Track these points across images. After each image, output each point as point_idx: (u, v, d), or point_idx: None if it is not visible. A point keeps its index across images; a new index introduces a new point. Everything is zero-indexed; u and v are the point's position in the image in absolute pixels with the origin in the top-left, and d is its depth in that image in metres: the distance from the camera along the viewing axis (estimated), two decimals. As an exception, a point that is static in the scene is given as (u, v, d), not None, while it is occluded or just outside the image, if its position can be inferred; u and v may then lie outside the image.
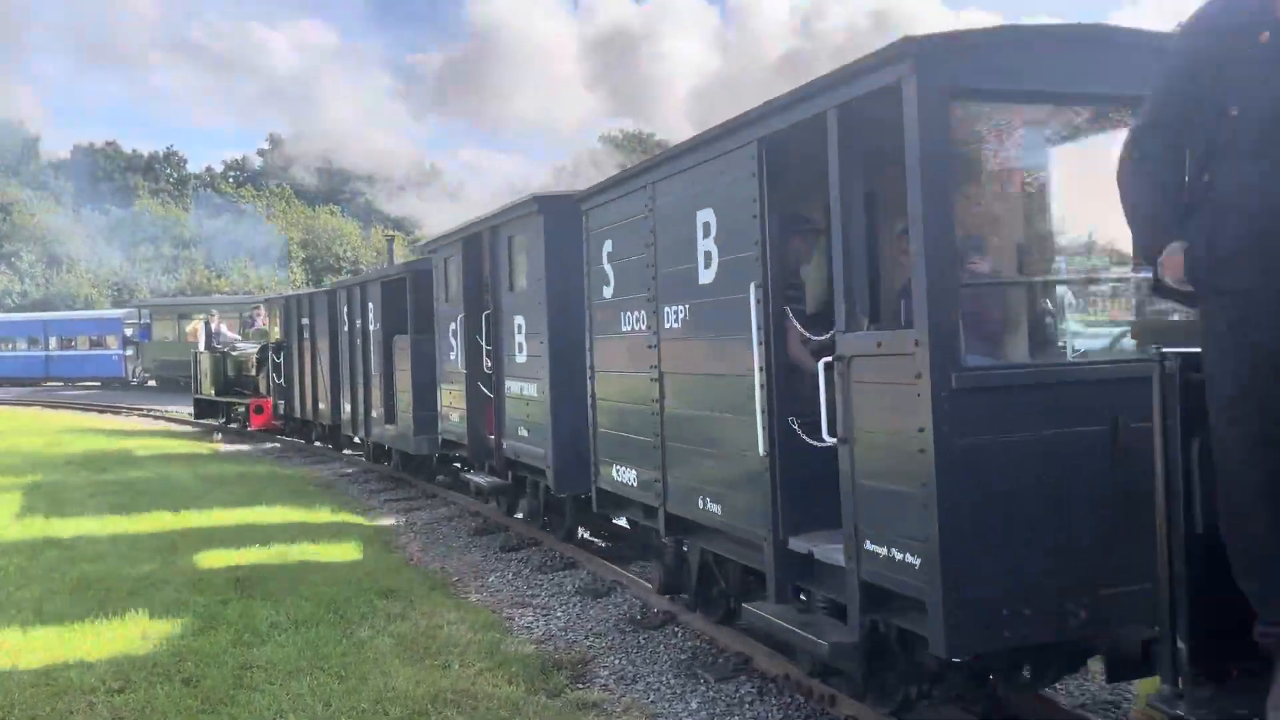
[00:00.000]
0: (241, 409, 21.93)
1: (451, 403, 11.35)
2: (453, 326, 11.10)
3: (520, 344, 9.44)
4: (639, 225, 6.77)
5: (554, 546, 9.43)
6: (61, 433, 23.15)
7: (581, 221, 7.83)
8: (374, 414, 14.70)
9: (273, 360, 20.01)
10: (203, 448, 19.92)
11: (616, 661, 6.41)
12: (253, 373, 21.77)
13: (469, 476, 11.19)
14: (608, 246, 7.35)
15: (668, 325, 6.46)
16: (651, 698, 5.77)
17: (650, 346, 6.68)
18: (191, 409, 24.65)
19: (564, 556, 9.07)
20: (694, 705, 5.62)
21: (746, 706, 5.58)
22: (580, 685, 5.98)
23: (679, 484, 6.44)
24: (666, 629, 6.96)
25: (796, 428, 5.23)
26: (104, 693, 5.82)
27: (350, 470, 16.28)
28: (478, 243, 10.58)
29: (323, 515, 11.63)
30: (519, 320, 9.48)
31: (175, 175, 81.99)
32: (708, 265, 5.89)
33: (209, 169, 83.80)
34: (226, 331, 24.40)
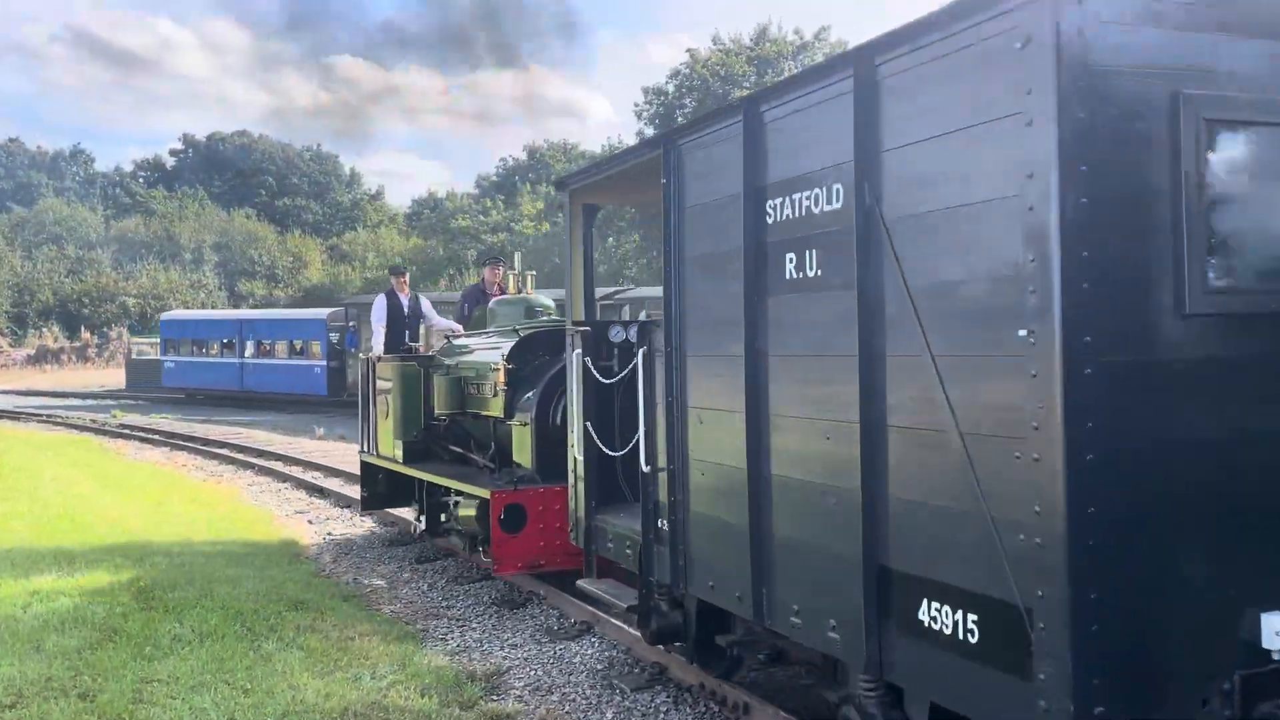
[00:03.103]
0: (472, 511, 8.07)
1: None
2: None
3: None
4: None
5: (469, 558, 9.26)
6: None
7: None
8: None
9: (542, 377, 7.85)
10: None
11: (532, 672, 6.36)
12: (492, 409, 8.47)
13: None
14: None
15: None
16: (567, 708, 5.73)
17: None
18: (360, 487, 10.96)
19: (480, 568, 8.95)
20: (609, 715, 5.60)
21: (662, 716, 5.57)
22: (494, 697, 5.92)
23: None
24: (583, 639, 6.92)
25: None
26: (-7, 709, 5.58)
27: None
28: None
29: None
30: None
31: (82, 174, 79.65)
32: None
33: (118, 168, 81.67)
34: (433, 314, 11.67)
